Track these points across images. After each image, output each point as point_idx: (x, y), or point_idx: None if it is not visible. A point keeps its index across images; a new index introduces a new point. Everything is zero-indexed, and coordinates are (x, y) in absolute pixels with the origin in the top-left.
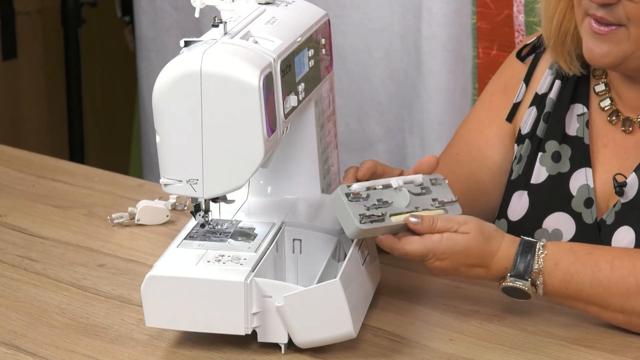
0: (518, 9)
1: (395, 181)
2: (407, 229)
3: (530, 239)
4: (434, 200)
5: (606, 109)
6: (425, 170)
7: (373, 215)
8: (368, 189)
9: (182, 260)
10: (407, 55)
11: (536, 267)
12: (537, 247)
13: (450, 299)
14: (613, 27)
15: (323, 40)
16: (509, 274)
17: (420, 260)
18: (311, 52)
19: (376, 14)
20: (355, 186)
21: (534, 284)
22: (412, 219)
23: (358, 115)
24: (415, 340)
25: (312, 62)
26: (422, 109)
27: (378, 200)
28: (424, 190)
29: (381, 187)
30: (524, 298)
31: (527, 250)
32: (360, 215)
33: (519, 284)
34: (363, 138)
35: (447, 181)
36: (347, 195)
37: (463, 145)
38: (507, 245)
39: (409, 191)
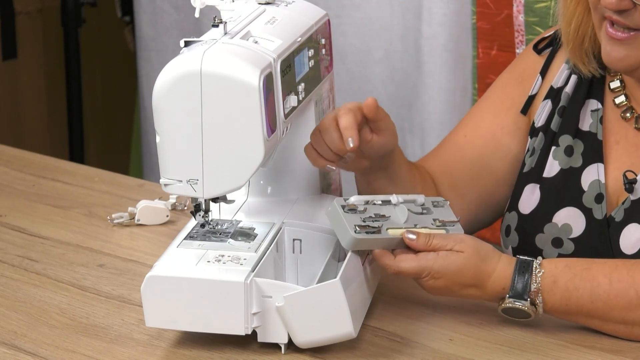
0: (518, 9)
1: (395, 198)
2: (403, 245)
3: (526, 258)
4: (434, 220)
5: (621, 105)
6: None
7: (369, 226)
8: (366, 202)
9: (182, 260)
10: (407, 55)
11: (534, 287)
12: (534, 265)
13: (450, 299)
14: (631, 33)
15: (323, 40)
16: (507, 295)
17: (415, 278)
18: (311, 52)
19: (376, 14)
20: (353, 199)
21: (533, 304)
22: (409, 235)
23: None
24: (415, 340)
25: (312, 62)
26: (422, 109)
27: (375, 214)
28: (424, 211)
29: (380, 202)
30: (524, 317)
31: (524, 269)
32: (355, 225)
33: (518, 304)
34: None
35: (448, 203)
36: (344, 207)
37: (474, 127)
38: (503, 266)
39: (409, 210)
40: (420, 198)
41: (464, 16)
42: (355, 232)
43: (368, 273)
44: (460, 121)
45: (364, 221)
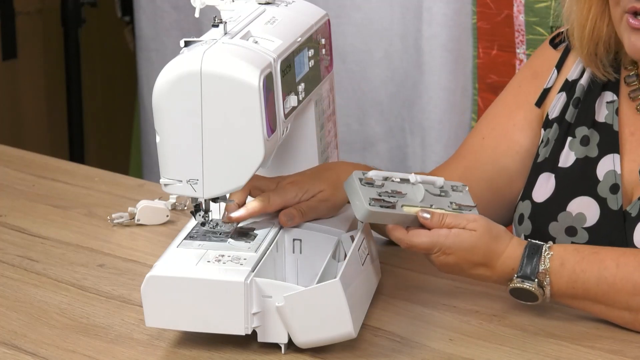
0: (518, 9)
1: (413, 177)
2: (417, 223)
3: (536, 242)
4: (451, 203)
5: (636, 98)
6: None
7: (384, 200)
8: (385, 178)
9: (182, 260)
10: (408, 55)
11: (542, 268)
12: (544, 248)
13: (450, 299)
14: None
15: (323, 40)
16: (515, 275)
17: (426, 254)
18: (311, 52)
19: (376, 14)
20: (372, 173)
21: (541, 285)
22: (423, 214)
23: (359, 115)
24: (415, 340)
25: (312, 62)
26: (422, 109)
27: (392, 190)
28: (442, 194)
29: (398, 180)
30: (532, 301)
31: (534, 252)
32: (370, 198)
33: (527, 285)
34: (364, 138)
35: (467, 188)
36: (361, 180)
37: (489, 130)
38: (513, 247)
39: (426, 190)
40: (440, 181)
41: (464, 16)
42: (369, 204)
43: (368, 273)
44: (478, 122)
45: (379, 195)
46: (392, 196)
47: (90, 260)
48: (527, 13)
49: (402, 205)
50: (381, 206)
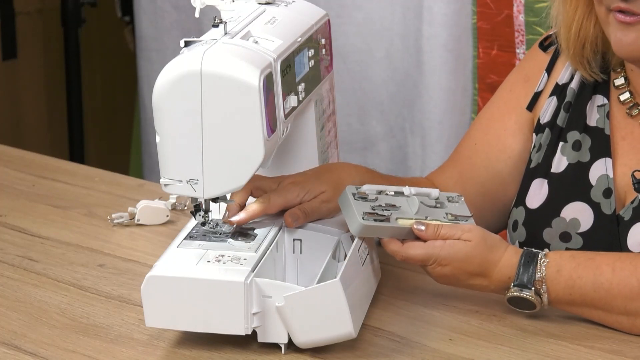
0: (518, 9)
1: (407, 189)
2: (412, 236)
3: (532, 249)
4: (447, 214)
5: (626, 102)
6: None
7: (377, 214)
8: (379, 192)
9: (182, 260)
10: (408, 55)
11: (539, 276)
12: (539, 256)
13: (450, 299)
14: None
15: (323, 40)
16: (512, 284)
17: (422, 265)
18: (311, 52)
19: (377, 13)
20: (365, 187)
21: (538, 293)
22: (418, 226)
23: (359, 115)
24: (415, 340)
25: (312, 62)
26: (423, 109)
27: (386, 204)
28: (438, 205)
29: (392, 193)
30: (530, 309)
31: (530, 260)
32: (364, 212)
33: (524, 293)
34: (364, 137)
35: (463, 198)
36: (354, 194)
37: (482, 134)
38: (509, 256)
39: (421, 202)
40: (435, 192)
41: (465, 16)
42: (363, 218)
43: (368, 273)
44: (471, 126)
45: (373, 209)
46: (386, 209)
47: (90, 260)
48: (527, 13)
49: (396, 218)
50: (375, 220)
